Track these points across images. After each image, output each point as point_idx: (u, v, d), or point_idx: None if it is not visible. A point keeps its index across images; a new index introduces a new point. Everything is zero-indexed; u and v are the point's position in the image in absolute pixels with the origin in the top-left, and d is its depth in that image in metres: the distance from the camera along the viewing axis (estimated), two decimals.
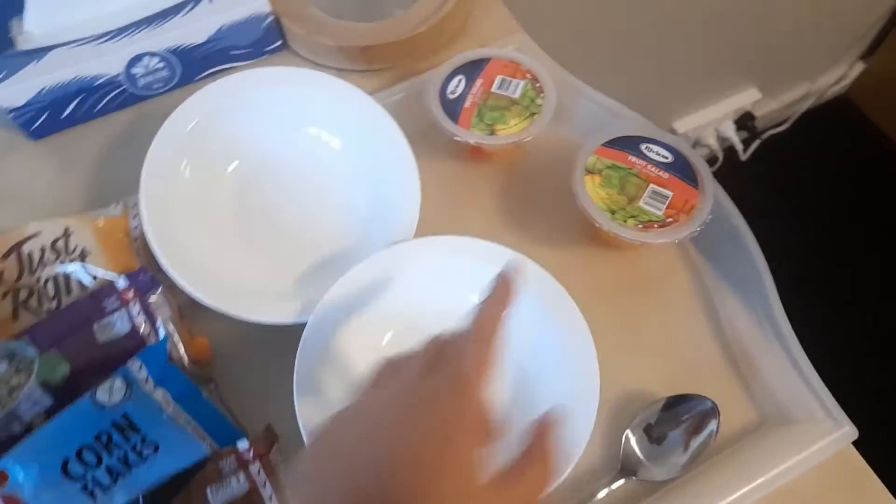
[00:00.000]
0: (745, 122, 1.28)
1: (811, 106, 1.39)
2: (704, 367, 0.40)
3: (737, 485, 0.35)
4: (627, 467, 0.37)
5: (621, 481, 0.36)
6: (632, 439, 0.37)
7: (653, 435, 0.37)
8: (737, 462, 0.37)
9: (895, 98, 1.36)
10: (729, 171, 1.33)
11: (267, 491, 0.34)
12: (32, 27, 0.48)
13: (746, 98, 1.25)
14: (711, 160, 1.29)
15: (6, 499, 0.32)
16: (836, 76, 1.37)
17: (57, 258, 0.40)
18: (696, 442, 0.37)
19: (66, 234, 0.41)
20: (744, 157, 1.31)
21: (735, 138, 1.28)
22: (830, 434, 0.36)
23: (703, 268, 0.43)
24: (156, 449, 0.34)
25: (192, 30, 0.49)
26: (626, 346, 0.41)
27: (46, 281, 0.40)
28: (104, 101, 0.50)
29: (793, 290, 0.43)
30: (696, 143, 1.27)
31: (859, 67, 1.38)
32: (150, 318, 0.38)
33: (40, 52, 0.47)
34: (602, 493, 0.36)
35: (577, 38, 0.89)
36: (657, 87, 1.12)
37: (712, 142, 1.26)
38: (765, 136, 1.34)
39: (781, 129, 1.36)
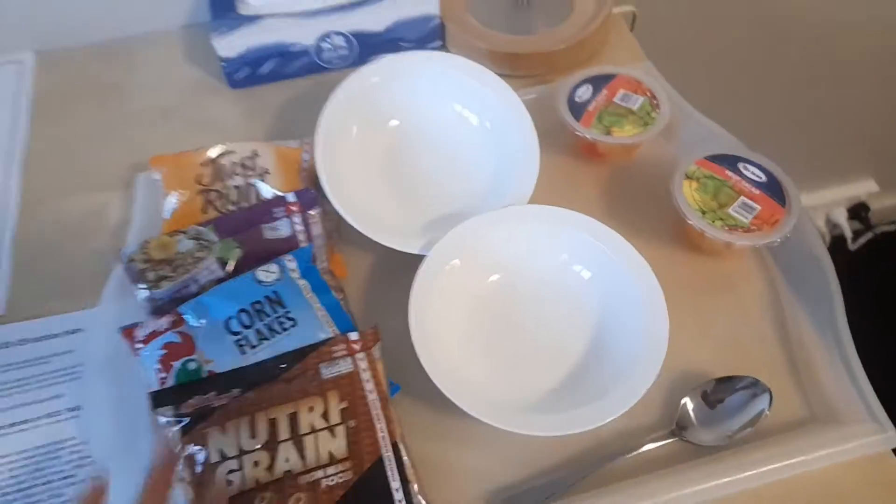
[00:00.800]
0: (858, 211, 1.28)
1: None
2: (765, 361, 0.44)
3: (775, 465, 0.39)
4: (680, 428, 0.41)
5: (670, 440, 0.41)
6: (689, 404, 0.42)
7: (709, 401, 0.41)
8: (780, 445, 0.41)
9: None
10: (833, 257, 1.32)
11: (365, 376, 0.42)
12: (252, 1, 0.60)
13: (863, 188, 1.25)
14: None
15: (181, 335, 0.42)
16: None
17: (244, 172, 0.51)
18: (746, 417, 0.41)
19: (254, 156, 0.51)
20: (852, 246, 1.30)
21: (845, 226, 1.28)
22: (874, 435, 0.39)
23: (779, 280, 0.48)
24: (294, 324, 0.43)
25: (374, 20, 0.59)
26: (695, 332, 0.46)
27: (233, 188, 0.50)
28: (292, 66, 0.61)
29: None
30: None
31: None
32: (306, 229, 0.48)
33: (254, 19, 0.59)
34: (650, 446, 0.41)
35: (698, 86, 0.95)
36: (771, 154, 1.15)
37: (821, 224, 1.26)
38: (878, 230, 1.32)
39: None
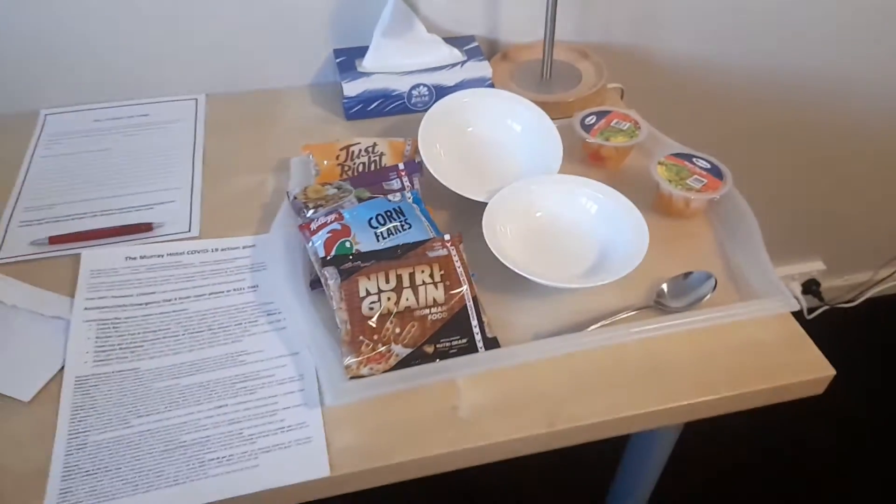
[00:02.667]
0: (810, 287, 1.53)
1: (880, 294, 1.61)
2: (713, 269, 0.68)
3: (715, 314, 0.62)
4: (658, 298, 0.64)
5: (651, 306, 0.64)
6: (665, 286, 0.65)
7: (678, 283, 0.64)
8: (720, 308, 0.63)
9: None
10: None
11: (455, 258, 0.64)
12: (367, 64, 0.90)
13: (812, 266, 1.51)
14: None
15: (342, 225, 0.65)
16: None
17: (367, 154, 0.77)
18: (701, 294, 0.64)
19: (374, 146, 0.78)
20: (808, 316, 1.53)
21: (801, 298, 1.52)
22: (777, 302, 0.62)
23: (719, 228, 0.72)
24: (410, 227, 0.66)
25: (448, 77, 0.89)
26: (668, 258, 0.69)
27: (360, 164, 0.76)
28: (390, 106, 0.89)
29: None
30: None
31: None
32: (411, 184, 0.73)
33: (368, 74, 0.88)
34: (630, 313, 0.63)
35: None
36: None
37: None
38: (832, 305, 1.56)
39: (849, 304, 1.59)
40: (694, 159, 0.75)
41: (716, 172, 0.73)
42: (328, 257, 0.64)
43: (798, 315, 1.59)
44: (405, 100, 0.89)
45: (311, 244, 0.66)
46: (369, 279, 0.62)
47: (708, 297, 0.64)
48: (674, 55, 1.07)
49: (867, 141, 1.30)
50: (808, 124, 1.24)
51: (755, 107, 1.19)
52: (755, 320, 0.63)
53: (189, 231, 0.74)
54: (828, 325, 1.54)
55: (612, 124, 0.80)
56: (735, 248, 0.70)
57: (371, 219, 0.66)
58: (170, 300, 0.66)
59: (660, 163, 0.74)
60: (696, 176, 0.73)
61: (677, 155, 0.75)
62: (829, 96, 1.20)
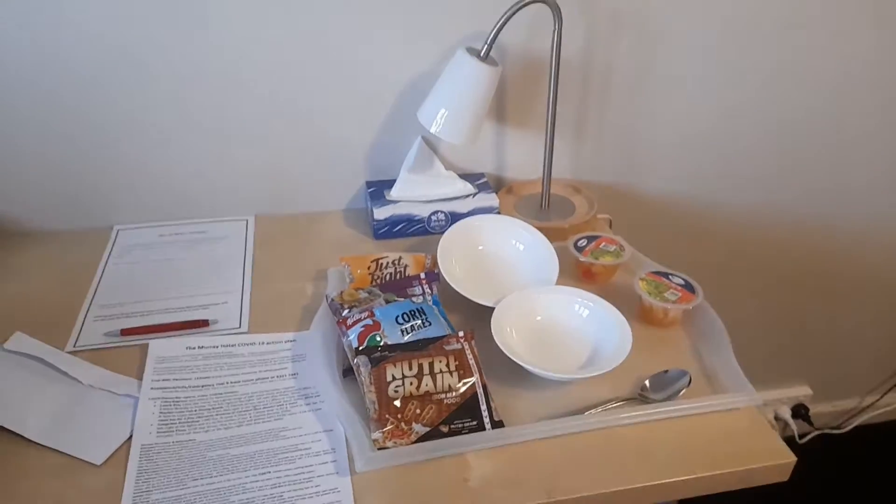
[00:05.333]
0: (799, 411, 1.60)
1: (869, 421, 1.68)
2: (689, 368, 0.79)
3: (689, 405, 0.72)
4: (642, 392, 0.75)
5: (635, 398, 0.74)
6: (648, 381, 0.76)
7: (658, 379, 0.75)
8: (692, 400, 0.73)
9: None
10: None
11: (468, 352, 0.76)
12: (395, 193, 1.06)
13: (800, 391, 1.60)
14: None
15: (373, 321, 0.77)
16: (887, 401, 1.68)
17: (393, 266, 0.91)
18: (677, 388, 0.74)
19: (399, 259, 0.92)
20: (799, 441, 1.59)
21: (791, 422, 1.59)
22: (743, 397, 0.73)
23: (694, 334, 0.84)
24: (430, 325, 0.79)
25: (462, 206, 1.05)
26: (649, 358, 0.80)
27: (387, 273, 0.90)
28: (413, 228, 1.05)
29: None
30: None
31: None
32: (431, 291, 0.86)
33: (395, 201, 1.05)
34: (618, 403, 0.74)
35: None
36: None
37: (770, 417, 1.58)
38: (822, 431, 1.63)
39: (838, 431, 1.65)
40: (670, 276, 0.88)
41: (689, 287, 0.86)
42: (361, 347, 0.76)
43: (790, 440, 1.68)
44: (425, 223, 1.05)
45: (346, 337, 0.78)
46: (395, 367, 0.73)
47: (684, 391, 0.75)
48: (656, 191, 1.24)
49: (848, 271, 1.44)
50: (787, 255, 1.39)
51: (734, 239, 1.34)
52: (726, 412, 0.74)
53: (240, 327, 0.86)
54: (818, 451, 1.60)
55: (600, 247, 0.94)
56: (707, 351, 0.82)
57: (398, 316, 0.79)
58: (223, 384, 0.77)
59: (641, 279, 0.88)
60: (672, 290, 0.86)
61: (656, 273, 0.89)
62: (809, 230, 1.36)
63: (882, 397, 1.66)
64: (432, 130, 0.97)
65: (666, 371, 0.78)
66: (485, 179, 1.12)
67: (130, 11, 0.92)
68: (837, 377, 1.62)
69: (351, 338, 0.77)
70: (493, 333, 0.78)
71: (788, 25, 1.12)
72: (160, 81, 0.98)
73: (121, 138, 1.01)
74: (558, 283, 0.88)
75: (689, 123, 1.19)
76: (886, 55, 1.18)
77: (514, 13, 0.91)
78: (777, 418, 1.59)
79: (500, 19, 0.92)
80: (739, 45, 1.12)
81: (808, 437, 1.61)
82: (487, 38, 0.93)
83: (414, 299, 0.82)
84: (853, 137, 1.27)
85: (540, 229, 0.96)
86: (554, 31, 0.96)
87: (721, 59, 1.13)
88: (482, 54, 0.94)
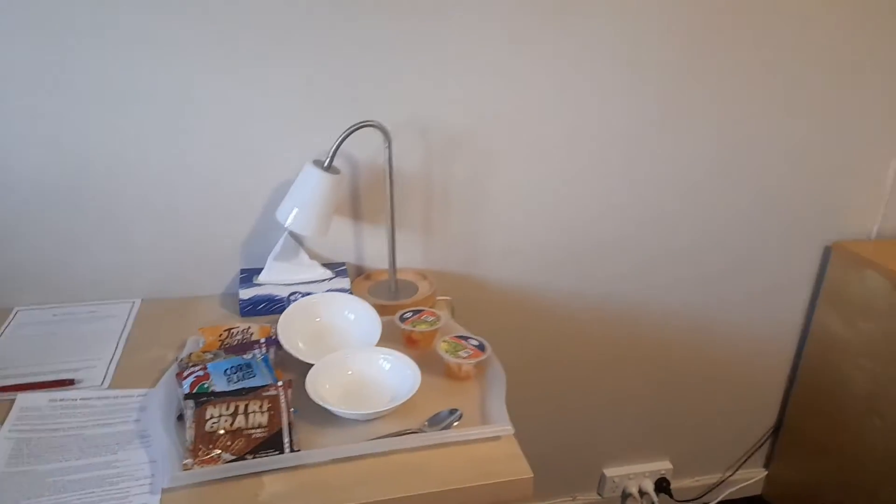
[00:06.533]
0: (661, 484, 1.73)
1: (728, 497, 1.82)
2: (467, 407, 0.95)
3: (451, 434, 0.88)
4: (420, 427, 0.91)
5: (416, 431, 0.90)
6: (428, 419, 0.92)
7: (439, 416, 0.92)
8: (461, 429, 0.90)
9: None
10: None
11: (281, 398, 0.92)
12: (261, 278, 1.26)
13: (661, 465, 1.73)
14: None
15: (204, 372, 0.94)
16: (743, 476, 1.83)
17: (241, 333, 1.08)
18: (450, 420, 0.91)
19: (248, 328, 1.09)
20: None
21: (654, 496, 1.72)
22: (501, 428, 0.90)
23: (483, 384, 1.01)
24: (255, 376, 0.95)
25: (318, 288, 1.24)
26: (443, 402, 0.97)
27: (236, 340, 1.07)
28: (274, 307, 1.23)
29: None
30: (624, 491, 1.72)
31: (762, 473, 1.84)
32: (268, 352, 1.03)
33: (262, 285, 1.24)
34: (399, 436, 0.90)
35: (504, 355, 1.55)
36: (589, 435, 1.67)
37: (634, 491, 1.70)
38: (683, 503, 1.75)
39: None
40: (468, 339, 1.07)
41: (481, 347, 1.05)
42: (190, 393, 0.91)
43: None
44: (284, 303, 1.23)
45: (180, 387, 0.94)
46: (215, 407, 0.89)
47: (455, 424, 0.91)
48: (497, 280, 1.45)
49: (706, 357, 1.64)
50: (635, 338, 1.59)
51: (588, 329, 1.54)
52: (490, 440, 0.90)
53: (102, 385, 1.01)
54: None
55: (421, 318, 1.13)
56: (490, 396, 0.99)
57: (227, 369, 0.96)
58: (73, 427, 0.92)
59: (444, 341, 1.06)
60: (466, 349, 1.04)
61: (458, 336, 1.08)
62: (654, 321, 1.57)
63: (735, 472, 1.81)
64: (286, 225, 1.18)
65: (444, 410, 0.94)
66: (344, 267, 1.32)
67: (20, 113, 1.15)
68: (698, 454, 1.77)
69: (184, 386, 0.93)
70: (307, 384, 0.95)
71: (615, 138, 1.39)
72: (58, 187, 1.19)
73: (26, 232, 1.20)
74: (389, 348, 1.06)
75: (526, 225, 1.42)
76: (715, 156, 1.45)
77: (348, 135, 1.16)
78: (641, 492, 1.71)
79: (338, 138, 1.16)
80: (569, 157, 1.38)
81: None
82: (329, 153, 1.17)
83: (245, 356, 0.99)
84: (680, 240, 1.51)
85: (386, 308, 1.15)
86: (385, 148, 1.20)
87: (552, 168, 1.39)
88: (325, 165, 1.18)
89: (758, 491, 1.84)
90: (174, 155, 1.21)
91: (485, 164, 1.35)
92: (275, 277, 1.26)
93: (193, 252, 1.29)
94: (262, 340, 1.05)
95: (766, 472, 1.82)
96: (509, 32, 1.25)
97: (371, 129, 1.19)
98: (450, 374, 1.04)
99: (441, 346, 1.05)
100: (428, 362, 1.06)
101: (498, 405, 0.96)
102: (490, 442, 0.90)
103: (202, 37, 1.14)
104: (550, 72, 1.30)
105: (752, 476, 1.82)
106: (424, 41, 1.23)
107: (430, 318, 1.13)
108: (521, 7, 1.24)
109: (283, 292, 1.23)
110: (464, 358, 1.02)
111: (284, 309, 1.22)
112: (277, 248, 1.28)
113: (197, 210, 1.26)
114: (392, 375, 1.00)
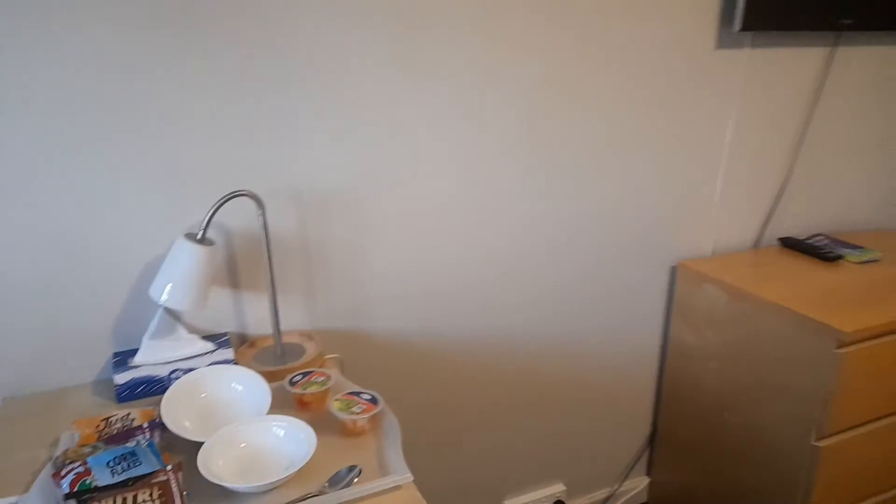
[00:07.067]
0: None
1: None
2: (365, 462, 0.97)
3: (352, 490, 0.90)
4: (327, 487, 0.92)
5: (318, 494, 0.91)
6: (328, 479, 0.93)
7: (339, 475, 0.93)
8: (365, 484, 0.92)
9: None
10: None
11: (172, 483, 0.89)
12: (137, 359, 1.21)
13: (556, 489, 1.82)
14: None
15: (85, 469, 0.89)
16: (630, 486, 1.96)
17: (122, 420, 1.03)
18: (349, 478, 0.92)
19: (128, 414, 1.05)
20: None
21: None
22: (401, 478, 0.93)
23: (381, 438, 1.04)
24: (141, 464, 0.92)
25: (201, 362, 1.21)
26: (342, 461, 0.98)
27: (115, 429, 1.02)
28: (154, 388, 1.18)
29: None
30: None
31: (646, 480, 1.98)
32: (153, 436, 0.99)
33: (139, 367, 1.19)
34: (307, 501, 0.90)
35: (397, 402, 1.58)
36: (486, 470, 1.73)
37: None
38: None
39: None
40: (361, 394, 1.09)
41: (373, 400, 1.08)
42: (71, 492, 0.86)
43: None
44: (165, 383, 1.19)
45: (60, 486, 0.88)
46: (99, 503, 0.85)
47: (356, 480, 0.93)
48: (384, 330, 1.49)
49: (569, 381, 1.75)
50: (517, 372, 1.67)
51: (469, 366, 1.61)
52: (389, 491, 0.92)
53: None
54: None
55: (312, 379, 1.14)
56: (386, 447, 1.02)
57: (109, 461, 0.91)
58: None
59: (336, 399, 1.08)
60: (359, 404, 1.06)
61: (350, 392, 1.10)
62: (541, 353, 1.67)
63: (622, 484, 1.94)
64: (160, 302, 1.15)
65: (342, 468, 0.96)
66: (227, 337, 1.30)
67: None
68: (587, 471, 1.88)
69: (63, 486, 0.88)
70: (198, 464, 0.93)
71: (486, 190, 1.48)
72: None
73: None
74: (283, 414, 1.05)
75: (404, 274, 1.48)
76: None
77: (220, 205, 1.16)
78: None
79: (209, 210, 1.16)
80: (440, 207, 1.46)
81: None
82: (202, 225, 1.17)
83: (127, 444, 0.95)
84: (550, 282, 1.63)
85: (273, 374, 1.14)
86: (260, 216, 1.21)
87: (426, 219, 1.45)
88: (199, 237, 1.17)
89: (644, 498, 1.98)
90: (38, 234, 1.15)
91: (360, 219, 1.39)
92: (152, 357, 1.21)
93: (58, 339, 1.21)
94: (145, 425, 1.01)
95: (650, 479, 1.96)
96: (371, 93, 1.32)
97: (244, 197, 1.20)
98: (345, 431, 1.06)
99: (334, 405, 1.06)
100: (322, 423, 1.07)
101: (395, 455, 0.98)
102: (392, 492, 0.93)
103: (54, 105, 1.11)
104: (414, 128, 1.38)
105: (638, 485, 1.96)
106: (290, 108, 1.26)
107: (321, 379, 1.15)
108: (381, 67, 1.31)
109: (162, 371, 1.19)
110: (357, 413, 1.04)
111: (166, 389, 1.19)
112: (153, 326, 1.24)
113: (60, 292, 1.20)
114: (287, 442, 1.00)
